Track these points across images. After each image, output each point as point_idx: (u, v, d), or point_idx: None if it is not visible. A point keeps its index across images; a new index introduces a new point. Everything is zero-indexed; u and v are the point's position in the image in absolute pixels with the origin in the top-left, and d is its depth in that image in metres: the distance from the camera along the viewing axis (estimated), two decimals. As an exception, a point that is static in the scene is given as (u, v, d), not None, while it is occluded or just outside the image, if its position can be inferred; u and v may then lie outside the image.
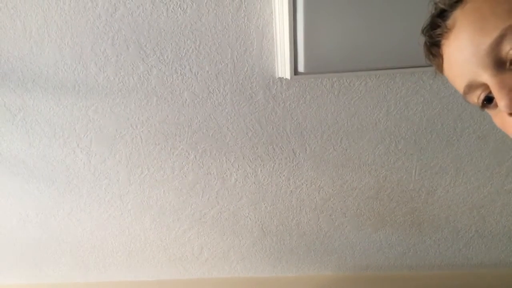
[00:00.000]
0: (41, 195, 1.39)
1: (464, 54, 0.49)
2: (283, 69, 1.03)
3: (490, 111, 0.52)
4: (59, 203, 1.42)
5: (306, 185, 1.35)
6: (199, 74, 1.08)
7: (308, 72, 1.02)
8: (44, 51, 1.03)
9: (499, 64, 0.46)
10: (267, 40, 1.01)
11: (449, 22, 0.51)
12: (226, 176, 1.33)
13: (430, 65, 1.07)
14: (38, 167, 1.30)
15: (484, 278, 1.65)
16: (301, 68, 1.01)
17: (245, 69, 1.07)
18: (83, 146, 1.24)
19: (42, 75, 1.08)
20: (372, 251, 1.58)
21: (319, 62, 1.00)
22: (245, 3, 0.95)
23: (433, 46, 0.55)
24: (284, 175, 1.33)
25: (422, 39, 0.57)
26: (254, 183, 1.35)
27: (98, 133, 1.21)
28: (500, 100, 0.46)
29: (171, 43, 1.02)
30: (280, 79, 1.08)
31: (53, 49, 1.03)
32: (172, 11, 0.96)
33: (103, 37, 1.01)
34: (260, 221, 1.48)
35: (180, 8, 0.95)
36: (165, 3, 0.95)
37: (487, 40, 0.46)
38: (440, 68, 0.56)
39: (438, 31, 0.53)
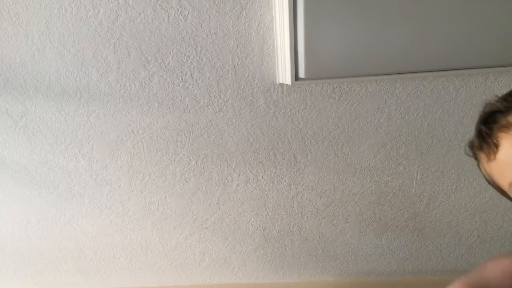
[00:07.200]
0: (43, 201, 1.39)
1: None
2: (284, 75, 1.04)
3: None
4: (61, 210, 1.42)
5: (308, 190, 1.35)
6: (200, 80, 1.08)
7: (309, 77, 1.02)
8: (46, 58, 1.04)
9: None
10: (267, 46, 1.01)
11: (510, 119, 0.54)
12: (228, 181, 1.33)
13: (430, 70, 1.07)
14: (39, 173, 1.31)
15: (487, 284, 1.64)
16: (301, 74, 1.01)
17: (246, 75, 1.07)
18: (84, 153, 1.25)
19: (44, 82, 1.09)
20: (374, 257, 1.58)
21: (320, 67, 1.00)
22: (246, 10, 0.95)
23: (490, 136, 0.58)
24: (285, 181, 1.33)
25: (477, 128, 0.59)
26: (256, 188, 1.35)
27: (100, 139, 1.21)
28: None
29: (172, 50, 1.02)
30: (281, 84, 1.09)
31: (55, 56, 1.04)
32: (173, 18, 0.97)
33: (105, 43, 1.01)
34: (262, 227, 1.47)
35: (181, 15, 0.96)
36: (166, 10, 0.95)
37: None
38: (490, 155, 0.58)
39: (498, 126, 0.55)
